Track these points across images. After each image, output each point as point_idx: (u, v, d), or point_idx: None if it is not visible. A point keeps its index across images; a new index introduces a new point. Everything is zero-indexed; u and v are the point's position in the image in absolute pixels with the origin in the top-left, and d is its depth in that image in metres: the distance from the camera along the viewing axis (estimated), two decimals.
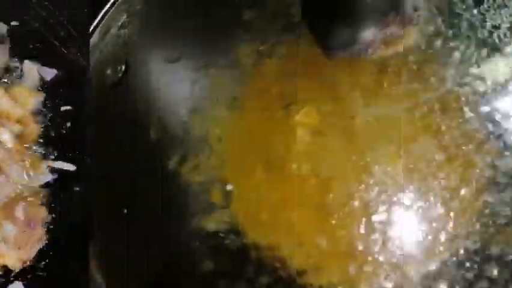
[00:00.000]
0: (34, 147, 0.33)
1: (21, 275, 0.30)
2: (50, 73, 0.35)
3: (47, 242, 0.30)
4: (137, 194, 0.26)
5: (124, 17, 0.30)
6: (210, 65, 0.26)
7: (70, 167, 0.31)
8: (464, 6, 0.27)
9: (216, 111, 0.26)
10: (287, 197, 0.25)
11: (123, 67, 0.27)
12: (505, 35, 0.26)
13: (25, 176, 0.32)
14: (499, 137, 0.25)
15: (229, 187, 0.25)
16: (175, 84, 0.26)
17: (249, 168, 0.25)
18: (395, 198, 0.24)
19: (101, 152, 0.27)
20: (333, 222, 0.24)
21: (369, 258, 0.24)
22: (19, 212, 0.31)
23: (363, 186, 0.24)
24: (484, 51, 0.26)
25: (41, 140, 0.33)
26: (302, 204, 0.25)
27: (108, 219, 0.27)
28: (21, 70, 0.35)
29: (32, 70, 0.35)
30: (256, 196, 0.25)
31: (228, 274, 0.25)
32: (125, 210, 0.25)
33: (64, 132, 0.33)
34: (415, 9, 0.26)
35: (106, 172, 0.27)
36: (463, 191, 0.25)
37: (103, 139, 0.27)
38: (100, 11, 0.30)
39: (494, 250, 0.25)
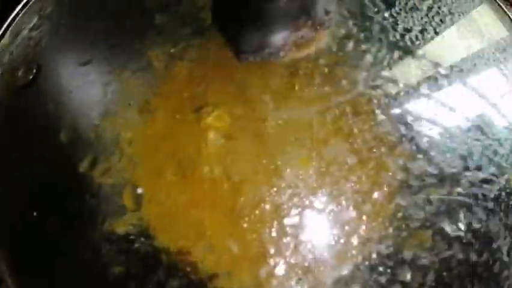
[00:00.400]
0: None
1: None
2: None
3: None
4: (48, 197, 0.26)
5: (36, 19, 0.29)
6: (122, 68, 0.26)
7: None
8: (375, 9, 0.27)
9: (128, 114, 0.25)
10: (198, 200, 0.25)
11: (34, 69, 0.27)
12: (416, 37, 0.26)
13: None
14: (411, 139, 0.25)
15: (140, 190, 0.25)
16: (87, 87, 0.26)
17: (160, 171, 0.25)
18: (306, 202, 0.24)
19: (12, 155, 0.27)
20: (245, 225, 0.24)
21: (281, 262, 0.24)
22: None
23: (274, 189, 0.24)
24: (396, 54, 0.26)
25: None
26: (213, 208, 0.24)
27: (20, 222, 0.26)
28: None
29: None
30: (167, 199, 0.25)
31: (138, 278, 0.24)
32: (35, 213, 0.25)
33: None
34: (326, 13, 0.26)
35: (17, 175, 0.27)
36: (375, 194, 0.25)
37: (14, 141, 0.27)
38: (11, 13, 0.30)
39: (407, 254, 0.24)
